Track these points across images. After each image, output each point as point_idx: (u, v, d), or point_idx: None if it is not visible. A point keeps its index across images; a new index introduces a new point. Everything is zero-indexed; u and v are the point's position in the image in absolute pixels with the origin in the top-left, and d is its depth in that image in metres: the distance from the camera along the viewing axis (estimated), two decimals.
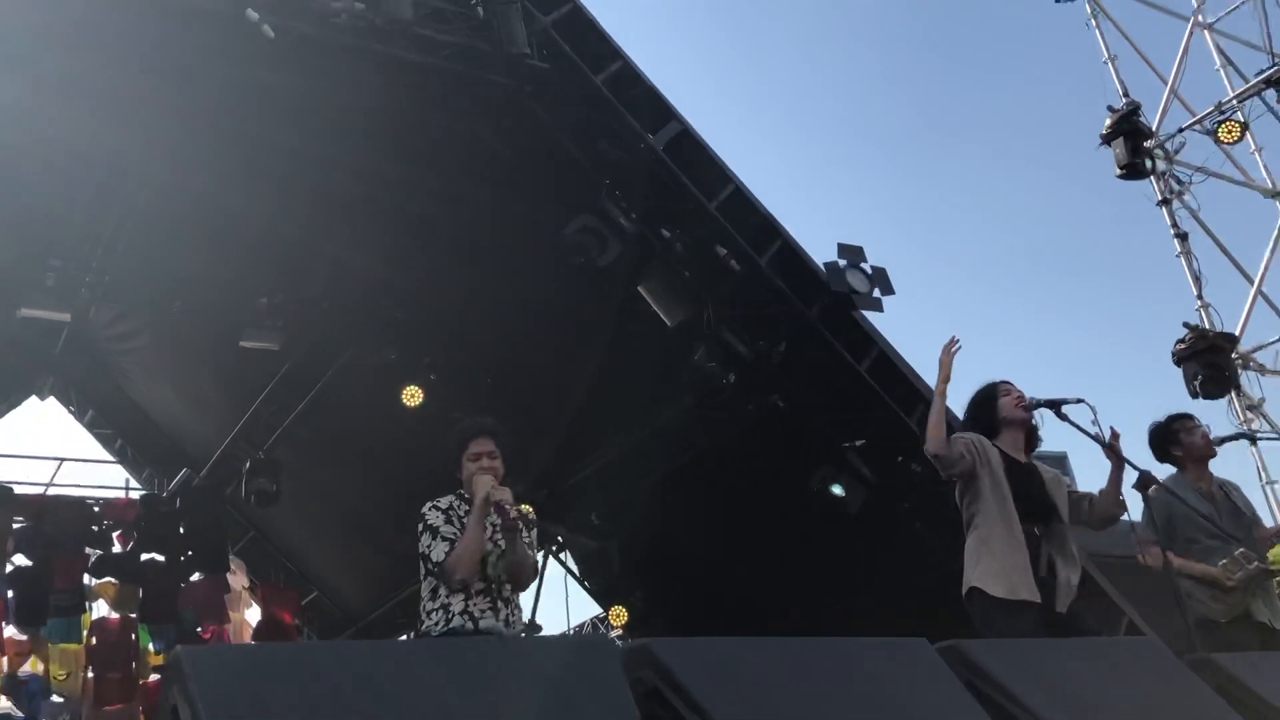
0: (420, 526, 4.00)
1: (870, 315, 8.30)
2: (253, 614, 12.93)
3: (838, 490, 8.30)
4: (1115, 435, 4.50)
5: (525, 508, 4.10)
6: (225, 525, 12.80)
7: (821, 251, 8.18)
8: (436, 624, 3.88)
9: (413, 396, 10.14)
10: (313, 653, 1.90)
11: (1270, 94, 11.79)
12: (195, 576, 12.30)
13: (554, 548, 11.39)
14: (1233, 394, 10.67)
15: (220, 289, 9.55)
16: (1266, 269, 11.70)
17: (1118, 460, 4.52)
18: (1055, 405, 4.64)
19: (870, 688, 2.35)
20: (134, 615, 11.61)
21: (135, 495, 12.92)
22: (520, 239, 8.86)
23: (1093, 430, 4.49)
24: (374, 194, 8.73)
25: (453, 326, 10.11)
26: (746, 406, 8.81)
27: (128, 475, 14.05)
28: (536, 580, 4.17)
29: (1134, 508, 5.37)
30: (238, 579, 12.82)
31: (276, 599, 13.01)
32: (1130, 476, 4.55)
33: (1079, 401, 4.61)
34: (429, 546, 3.93)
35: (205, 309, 9.77)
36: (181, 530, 12.19)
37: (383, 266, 9.61)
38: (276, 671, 1.80)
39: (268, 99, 7.51)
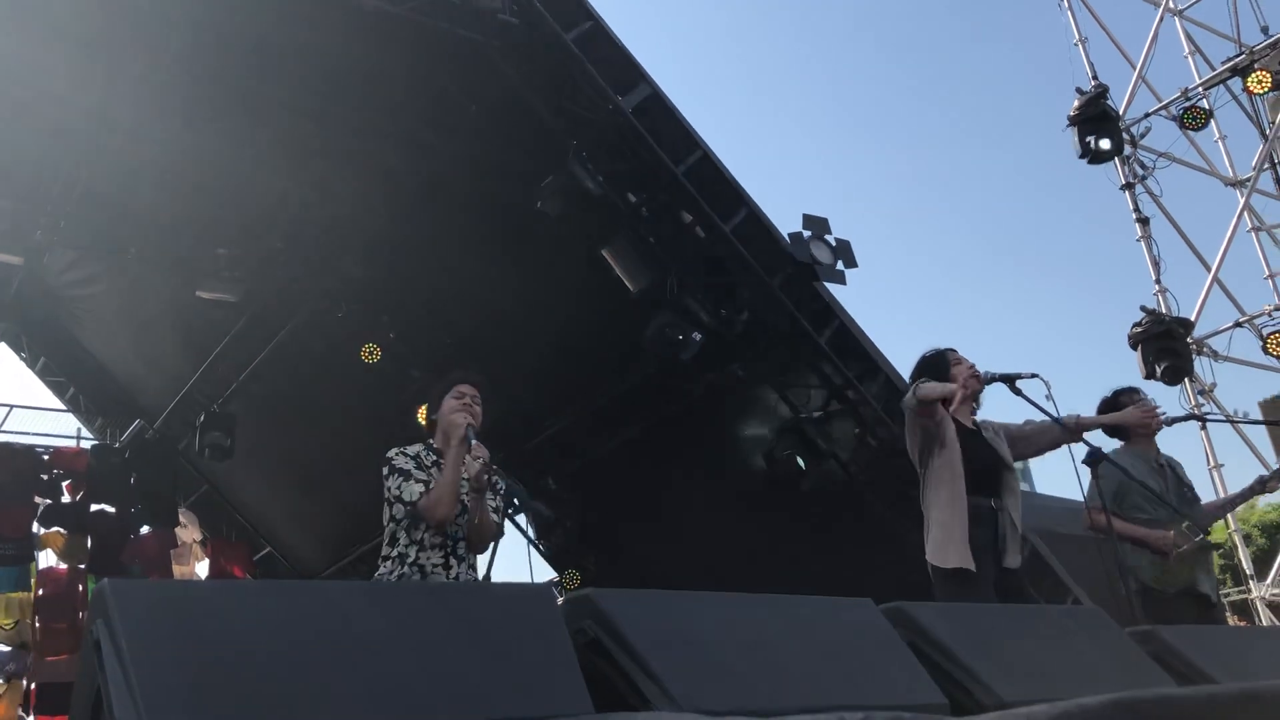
0: (386, 470, 3.96)
1: (832, 287, 8.32)
2: (204, 568, 12.86)
3: (800, 462, 8.34)
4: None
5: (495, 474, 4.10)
6: (177, 479, 12.71)
7: (786, 223, 8.19)
8: (390, 573, 3.87)
9: (371, 354, 10.06)
10: (241, 590, 1.87)
11: (1235, 83, 11.89)
12: (144, 530, 12.21)
13: (509, 510, 11.37)
14: (1186, 378, 10.81)
15: (179, 238, 9.39)
16: (1224, 257, 11.86)
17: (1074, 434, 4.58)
18: (1010, 379, 4.68)
19: (812, 644, 2.35)
20: (82, 566, 11.51)
21: (86, 445, 12.78)
22: (484, 199, 8.78)
23: (1046, 405, 4.54)
24: (337, 146, 8.61)
25: (413, 285, 10.01)
26: (707, 375, 8.80)
27: (79, 425, 13.86)
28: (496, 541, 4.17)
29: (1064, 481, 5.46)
30: (189, 532, 12.74)
31: (227, 554, 12.96)
32: (1080, 451, 4.61)
33: (1033, 376, 4.65)
34: (399, 488, 3.86)
35: (163, 257, 9.60)
36: (132, 482, 12.08)
37: (344, 222, 9.49)
38: (203, 606, 1.77)
39: (235, 45, 7.37)
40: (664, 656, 2.04)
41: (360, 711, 1.74)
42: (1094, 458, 4.52)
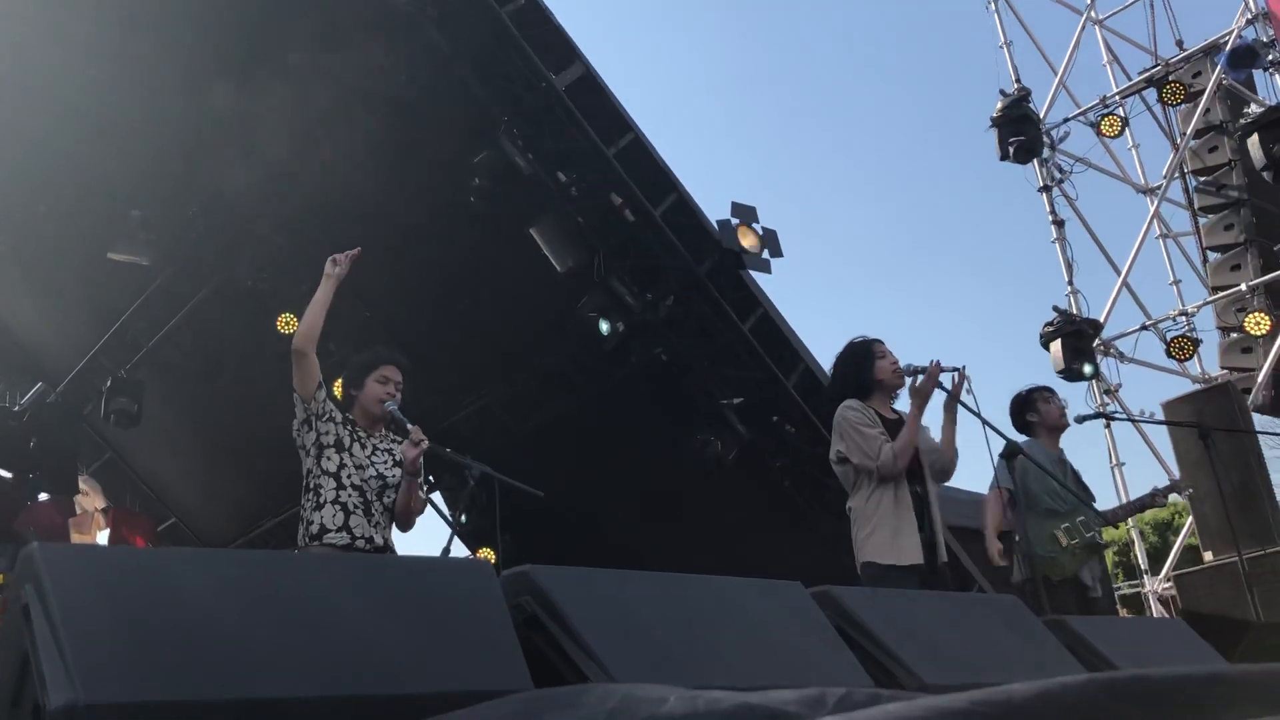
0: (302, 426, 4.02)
1: (757, 276, 8.39)
2: (105, 537, 12.51)
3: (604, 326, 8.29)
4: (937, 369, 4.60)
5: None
6: (79, 445, 12.34)
7: (711, 210, 8.25)
8: (309, 502, 3.85)
9: (287, 324, 9.86)
10: (175, 557, 1.82)
11: (1150, 93, 12.26)
12: (42, 497, 11.85)
13: (425, 487, 11.25)
14: (1092, 378, 11.14)
15: (92, 197, 9.09)
16: (1133, 262, 12.22)
17: (952, 415, 4.69)
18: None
19: (745, 625, 2.38)
20: None
21: None
22: (410, 171, 8.66)
23: (966, 398, 4.65)
24: (260, 111, 8.39)
25: (332, 255, 9.81)
26: (629, 358, 8.82)
27: None
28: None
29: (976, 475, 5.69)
30: (91, 500, 12.39)
31: (130, 523, 12.64)
32: (997, 444, 4.72)
33: (954, 369, 4.75)
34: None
35: (73, 216, 9.29)
36: (31, 447, 11.71)
37: (263, 189, 9.28)
38: (136, 572, 1.72)
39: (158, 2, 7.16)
40: (601, 634, 2.04)
41: (295, 682, 1.71)
42: (1011, 451, 4.65)
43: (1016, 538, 5.31)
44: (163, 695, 1.57)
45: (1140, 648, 3.43)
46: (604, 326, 8.17)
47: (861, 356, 4.81)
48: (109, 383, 10.83)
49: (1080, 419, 6.09)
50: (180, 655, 1.64)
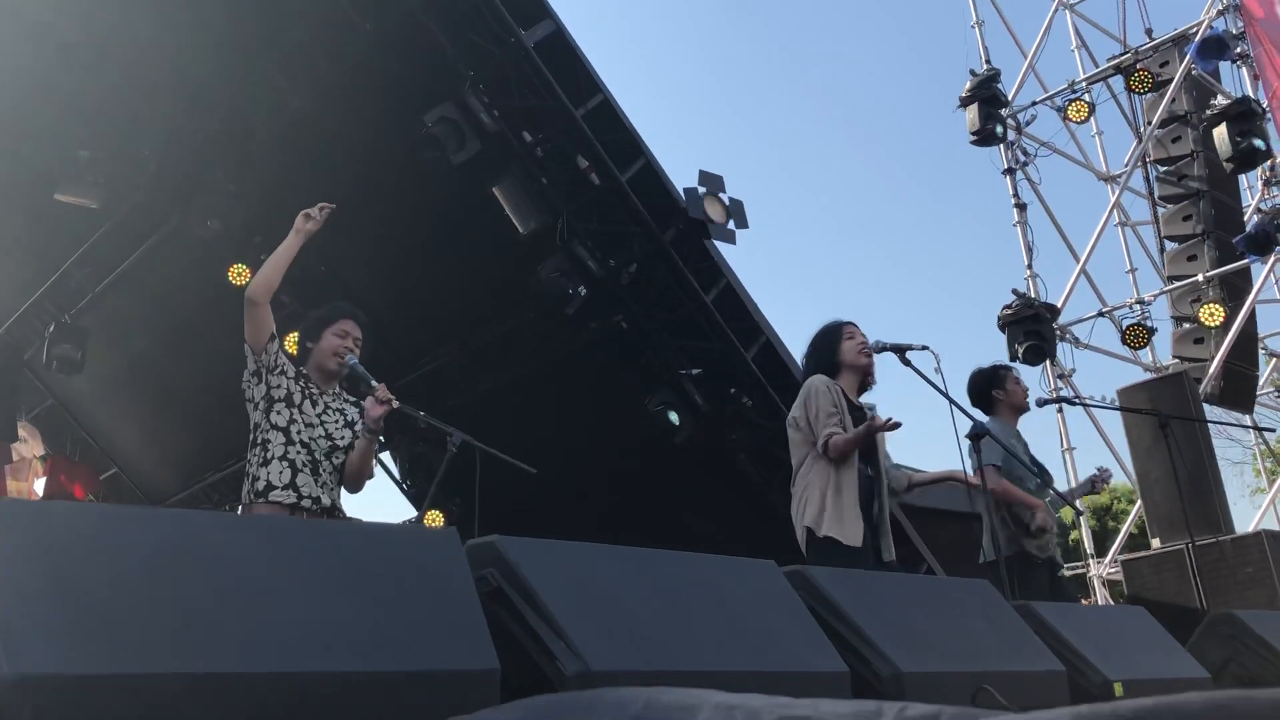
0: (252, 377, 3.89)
1: (721, 247, 8.31)
2: (42, 485, 12.23)
3: (672, 418, 8.30)
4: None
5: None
6: (18, 390, 12.02)
7: (679, 179, 8.14)
8: (255, 457, 3.72)
9: (239, 275, 9.62)
10: (118, 515, 1.69)
11: (1117, 81, 12.29)
12: None
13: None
14: (1047, 362, 11.21)
15: (39, 134, 8.77)
16: (1092, 250, 12.28)
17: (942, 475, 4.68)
18: (900, 350, 4.70)
19: (718, 604, 2.30)
20: None
21: None
22: (371, 124, 8.45)
23: (935, 377, 4.59)
24: (216, 58, 8.14)
25: (289, 208, 9.55)
26: (590, 324, 8.70)
27: None
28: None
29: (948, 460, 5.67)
30: (30, 447, 12.09)
31: (69, 472, 12.36)
32: (964, 424, 4.69)
33: (924, 348, 4.69)
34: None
35: (18, 154, 8.97)
36: None
37: (218, 137, 9.00)
38: (75, 532, 1.58)
39: None
40: (569, 610, 1.95)
41: (245, 656, 1.60)
42: (977, 432, 4.61)
43: (984, 518, 5.28)
44: (100, 668, 1.44)
45: (1105, 636, 3.41)
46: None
47: (830, 338, 4.74)
48: (52, 328, 10.55)
49: (1040, 402, 6.09)
50: (121, 624, 1.52)
